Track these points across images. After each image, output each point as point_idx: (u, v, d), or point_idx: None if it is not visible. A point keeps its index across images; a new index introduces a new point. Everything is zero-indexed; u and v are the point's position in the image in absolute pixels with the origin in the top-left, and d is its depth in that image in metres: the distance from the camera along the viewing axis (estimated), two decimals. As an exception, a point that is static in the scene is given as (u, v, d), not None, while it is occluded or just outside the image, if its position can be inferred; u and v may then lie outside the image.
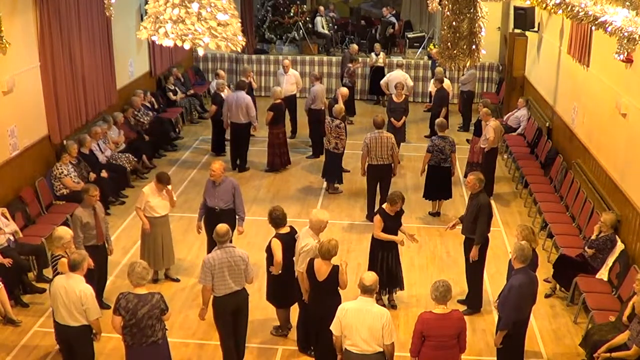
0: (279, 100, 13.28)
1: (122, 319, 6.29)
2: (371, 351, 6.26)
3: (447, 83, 15.22)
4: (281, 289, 7.81)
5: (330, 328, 6.42)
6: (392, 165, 10.99)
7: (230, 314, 7.18)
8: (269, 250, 7.72)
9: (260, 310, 8.39)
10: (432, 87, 15.61)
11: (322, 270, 7.02)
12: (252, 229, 9.83)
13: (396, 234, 8.58)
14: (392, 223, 8.57)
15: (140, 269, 6.34)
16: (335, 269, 7.04)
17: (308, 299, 7.31)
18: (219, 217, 8.77)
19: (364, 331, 6.22)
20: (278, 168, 13.39)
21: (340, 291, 7.21)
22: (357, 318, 6.24)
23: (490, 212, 8.57)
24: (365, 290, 6.32)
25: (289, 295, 7.80)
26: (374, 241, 8.67)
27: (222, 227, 7.11)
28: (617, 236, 8.85)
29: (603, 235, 8.81)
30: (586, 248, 8.94)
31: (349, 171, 13.19)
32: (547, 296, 9.02)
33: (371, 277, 6.38)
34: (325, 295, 7.09)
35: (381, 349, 6.27)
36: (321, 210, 7.85)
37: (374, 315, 6.22)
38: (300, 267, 7.34)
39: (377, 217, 8.54)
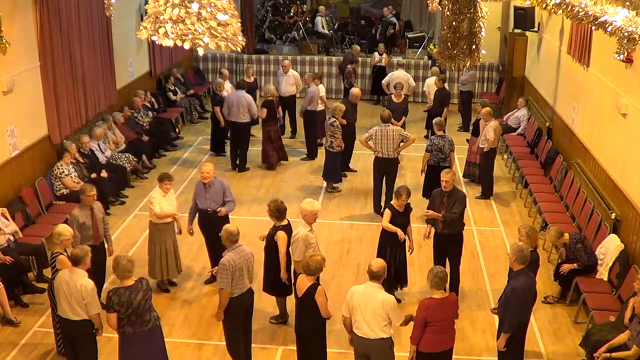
0: (271, 97, 13.35)
1: (117, 314, 6.36)
2: (373, 336, 6.31)
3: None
4: (277, 278, 7.86)
5: (341, 309, 6.50)
6: (397, 157, 11.32)
7: (242, 314, 7.18)
8: (271, 240, 7.73)
9: (259, 310, 8.37)
10: (426, 87, 15.54)
11: (301, 285, 6.75)
12: (252, 229, 9.82)
13: (404, 231, 8.53)
14: (402, 219, 8.55)
15: (125, 262, 6.42)
16: (311, 288, 6.63)
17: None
18: (212, 218, 8.78)
19: (368, 315, 6.29)
20: (274, 163, 13.42)
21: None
22: (362, 302, 6.31)
23: None
24: (373, 276, 6.40)
25: (286, 285, 7.88)
26: (383, 237, 8.65)
27: (232, 227, 7.13)
28: (566, 232, 8.78)
29: (569, 245, 8.71)
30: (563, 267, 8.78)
31: (355, 171, 13.23)
32: (545, 301, 8.95)
33: (379, 264, 6.46)
34: (302, 312, 6.85)
35: (385, 335, 6.32)
36: (309, 200, 7.81)
37: (377, 301, 6.27)
38: (294, 257, 7.46)
39: (387, 211, 8.56)
